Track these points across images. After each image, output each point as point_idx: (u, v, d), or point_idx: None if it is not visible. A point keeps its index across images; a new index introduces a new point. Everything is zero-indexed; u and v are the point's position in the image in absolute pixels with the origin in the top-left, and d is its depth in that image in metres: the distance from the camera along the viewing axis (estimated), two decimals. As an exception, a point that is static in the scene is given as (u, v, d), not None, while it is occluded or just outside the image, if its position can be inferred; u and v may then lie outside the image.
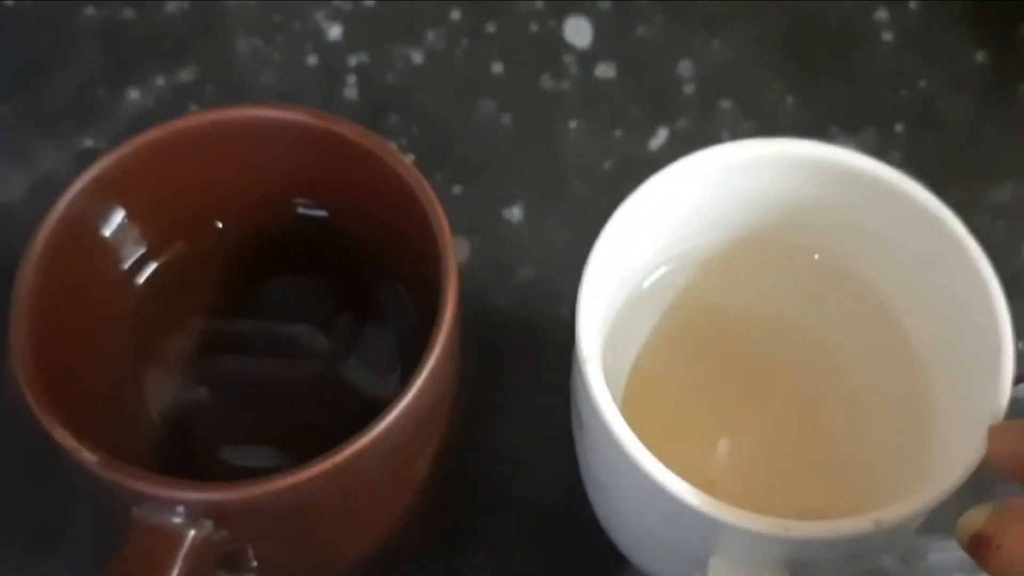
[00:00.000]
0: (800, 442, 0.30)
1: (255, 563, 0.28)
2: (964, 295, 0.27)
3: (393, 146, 0.29)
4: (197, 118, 0.29)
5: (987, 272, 0.26)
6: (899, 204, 0.27)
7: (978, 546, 0.22)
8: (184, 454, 0.30)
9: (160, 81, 0.39)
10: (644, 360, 0.31)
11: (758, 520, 0.23)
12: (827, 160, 0.28)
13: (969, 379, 0.26)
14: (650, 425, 0.28)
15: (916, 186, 0.27)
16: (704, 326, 0.31)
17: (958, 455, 0.25)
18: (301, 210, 0.31)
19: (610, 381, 0.26)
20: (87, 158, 0.38)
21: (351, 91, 0.40)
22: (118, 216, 0.29)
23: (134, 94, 0.39)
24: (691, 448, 0.30)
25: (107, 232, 0.29)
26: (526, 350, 0.35)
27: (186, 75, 0.40)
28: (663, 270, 0.31)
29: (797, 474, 0.30)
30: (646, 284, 0.30)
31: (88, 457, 0.24)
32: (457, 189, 0.38)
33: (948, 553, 0.33)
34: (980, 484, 0.25)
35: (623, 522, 0.29)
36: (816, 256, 0.30)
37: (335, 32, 0.41)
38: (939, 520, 0.26)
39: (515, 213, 0.38)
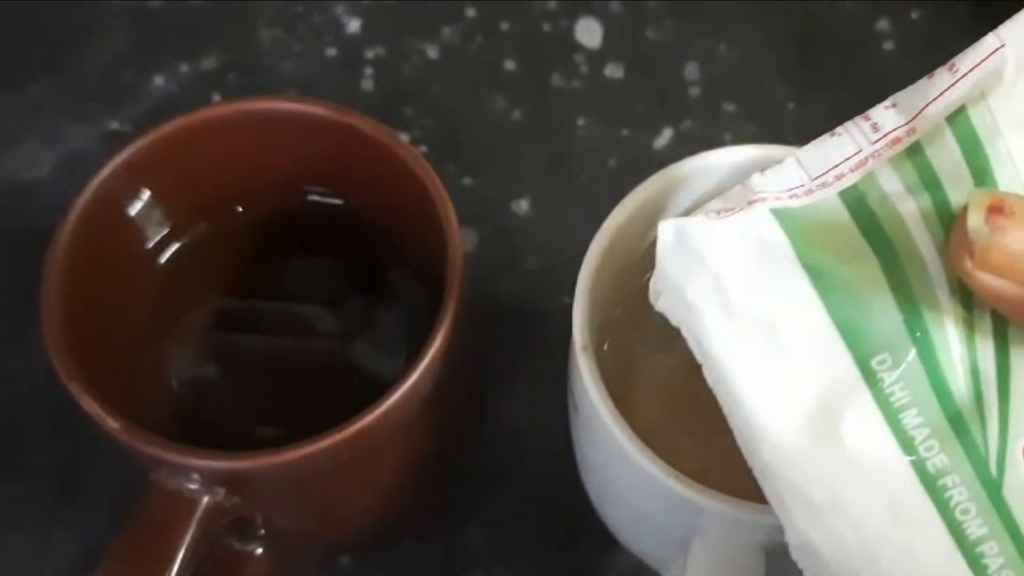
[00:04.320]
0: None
1: (263, 530, 0.29)
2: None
3: (405, 138, 0.30)
4: (221, 108, 0.30)
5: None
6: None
7: (997, 212, 0.21)
8: (200, 425, 0.31)
9: (184, 68, 0.41)
10: (643, 352, 0.32)
11: (736, 504, 0.25)
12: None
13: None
14: (647, 413, 0.29)
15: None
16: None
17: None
18: (316, 197, 0.32)
19: (608, 370, 0.27)
20: (112, 139, 0.39)
21: (368, 83, 0.41)
22: (144, 197, 0.30)
23: (159, 80, 0.41)
24: (687, 437, 0.31)
25: (133, 212, 0.30)
26: (529, 336, 0.37)
27: (209, 63, 0.41)
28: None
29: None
30: (645, 278, 0.32)
31: (112, 424, 0.26)
32: (467, 181, 0.39)
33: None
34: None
35: (612, 503, 0.30)
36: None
37: (354, 25, 0.42)
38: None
39: (522, 205, 0.39)
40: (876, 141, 0.25)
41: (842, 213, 0.24)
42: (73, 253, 0.28)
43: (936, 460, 0.23)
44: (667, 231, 0.24)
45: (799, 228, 0.24)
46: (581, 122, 0.40)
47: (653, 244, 0.31)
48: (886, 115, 0.25)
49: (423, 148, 0.39)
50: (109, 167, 0.29)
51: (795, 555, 0.23)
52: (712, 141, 0.31)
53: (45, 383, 0.27)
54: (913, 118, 0.25)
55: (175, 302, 0.32)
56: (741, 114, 0.41)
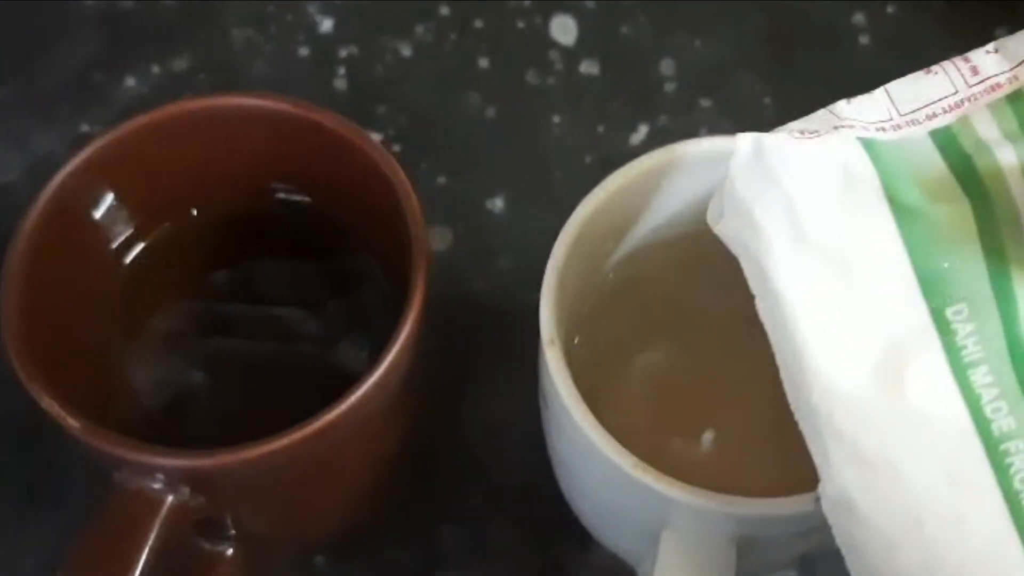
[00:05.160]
0: (775, 427, 0.31)
1: (233, 530, 0.29)
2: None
3: (378, 137, 0.30)
4: (185, 105, 0.30)
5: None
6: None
7: None
8: (166, 427, 0.31)
9: (155, 69, 0.41)
10: (618, 348, 0.32)
11: (704, 495, 0.24)
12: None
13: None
14: (625, 411, 0.29)
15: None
16: (675, 315, 0.32)
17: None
18: (283, 195, 0.32)
19: (579, 364, 0.27)
20: (82, 142, 0.39)
21: (341, 82, 0.41)
22: (107, 197, 0.30)
23: (130, 81, 0.40)
24: (667, 435, 0.31)
25: (96, 213, 0.30)
26: (503, 334, 0.36)
27: (180, 63, 0.41)
28: (632, 259, 0.31)
29: (772, 458, 0.31)
30: (614, 274, 0.31)
31: (72, 423, 0.25)
32: (442, 179, 0.39)
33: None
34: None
35: (583, 497, 0.30)
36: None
37: (327, 24, 0.42)
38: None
39: (497, 204, 0.39)
40: (974, 84, 0.24)
41: (932, 153, 0.23)
42: (33, 254, 0.27)
43: (1002, 423, 0.21)
44: (745, 144, 0.23)
45: (887, 161, 0.23)
46: (556, 119, 0.40)
47: (623, 239, 0.31)
48: (988, 59, 0.24)
49: (397, 147, 0.39)
50: (69, 166, 0.28)
51: (827, 510, 0.22)
52: (688, 136, 0.30)
53: (16, 387, 0.27)
54: (1017, 65, 0.24)
55: (140, 304, 0.31)
56: (717, 110, 0.40)
